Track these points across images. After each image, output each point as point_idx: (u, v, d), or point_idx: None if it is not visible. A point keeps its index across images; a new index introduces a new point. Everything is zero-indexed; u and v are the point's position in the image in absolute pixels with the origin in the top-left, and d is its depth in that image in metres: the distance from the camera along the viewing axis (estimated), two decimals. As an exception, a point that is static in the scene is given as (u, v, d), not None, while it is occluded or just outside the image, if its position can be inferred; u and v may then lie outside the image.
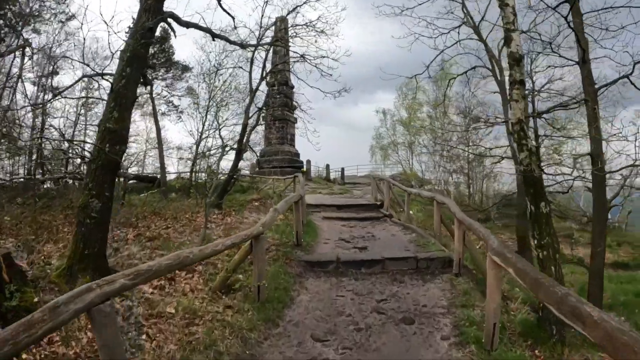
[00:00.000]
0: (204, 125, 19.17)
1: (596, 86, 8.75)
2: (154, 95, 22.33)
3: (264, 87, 15.67)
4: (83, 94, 16.45)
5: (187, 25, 6.19)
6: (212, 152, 15.80)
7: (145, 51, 5.67)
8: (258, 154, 28.51)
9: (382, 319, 4.40)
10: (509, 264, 3.27)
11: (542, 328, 4.09)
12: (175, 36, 6.83)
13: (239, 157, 13.04)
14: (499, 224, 17.68)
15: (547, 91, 12.45)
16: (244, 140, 13.95)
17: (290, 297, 4.94)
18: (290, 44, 28.40)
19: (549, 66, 10.88)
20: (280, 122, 28.24)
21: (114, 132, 5.03)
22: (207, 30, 6.75)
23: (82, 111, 18.12)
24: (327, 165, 26.04)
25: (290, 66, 30.34)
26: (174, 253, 3.43)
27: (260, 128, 25.27)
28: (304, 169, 24.14)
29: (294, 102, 29.97)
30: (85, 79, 12.17)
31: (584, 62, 8.40)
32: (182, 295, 4.42)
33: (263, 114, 16.58)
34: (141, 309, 3.87)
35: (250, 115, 13.77)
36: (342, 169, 27.08)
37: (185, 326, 3.67)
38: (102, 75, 6.60)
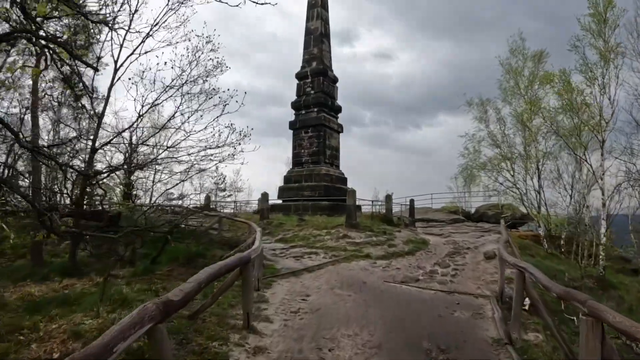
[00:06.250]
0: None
1: None
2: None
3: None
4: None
5: None
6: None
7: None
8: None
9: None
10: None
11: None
12: None
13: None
14: None
15: None
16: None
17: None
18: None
19: None
20: (314, 130, 18.55)
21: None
22: None
23: None
24: (388, 197, 16.08)
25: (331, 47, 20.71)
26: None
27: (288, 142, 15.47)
28: (353, 202, 14.32)
29: (337, 102, 20.24)
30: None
31: None
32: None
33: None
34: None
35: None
36: (411, 202, 17.07)
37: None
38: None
